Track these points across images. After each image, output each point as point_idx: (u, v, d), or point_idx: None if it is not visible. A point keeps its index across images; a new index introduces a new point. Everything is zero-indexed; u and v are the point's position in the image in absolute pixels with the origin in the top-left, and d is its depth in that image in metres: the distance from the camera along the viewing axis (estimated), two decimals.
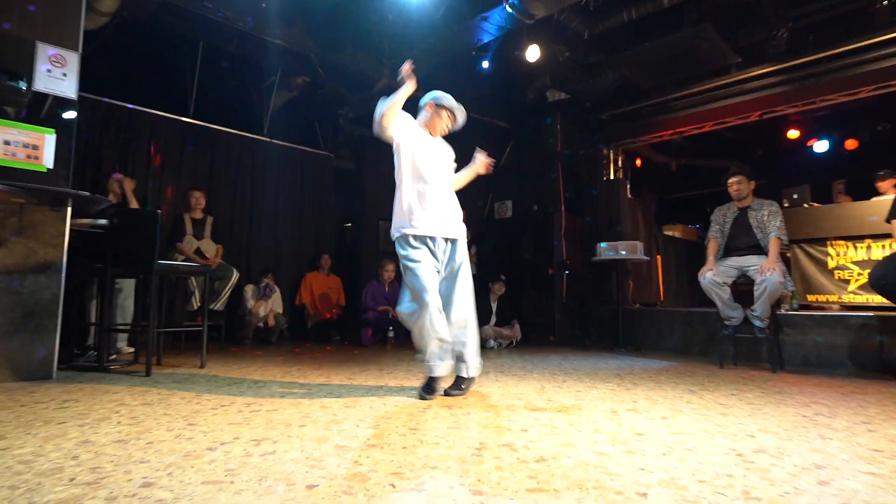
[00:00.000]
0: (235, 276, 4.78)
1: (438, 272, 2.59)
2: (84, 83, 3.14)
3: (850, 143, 7.90)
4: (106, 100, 5.01)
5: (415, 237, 2.56)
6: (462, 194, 2.84)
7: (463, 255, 2.64)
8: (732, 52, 4.90)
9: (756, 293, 3.61)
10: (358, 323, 5.51)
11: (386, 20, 4.95)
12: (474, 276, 2.83)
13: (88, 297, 3.82)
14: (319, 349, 4.95)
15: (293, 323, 6.01)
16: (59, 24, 2.96)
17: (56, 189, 2.77)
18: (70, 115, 2.97)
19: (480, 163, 2.83)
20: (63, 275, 2.94)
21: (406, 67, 2.57)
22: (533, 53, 5.21)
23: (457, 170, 2.84)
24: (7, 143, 2.72)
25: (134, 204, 4.15)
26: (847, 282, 4.61)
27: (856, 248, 4.58)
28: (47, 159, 2.82)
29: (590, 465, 1.48)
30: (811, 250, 4.83)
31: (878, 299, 4.35)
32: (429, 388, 2.50)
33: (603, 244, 5.47)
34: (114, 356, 3.74)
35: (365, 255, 6.93)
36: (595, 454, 1.59)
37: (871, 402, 2.55)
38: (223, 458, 1.50)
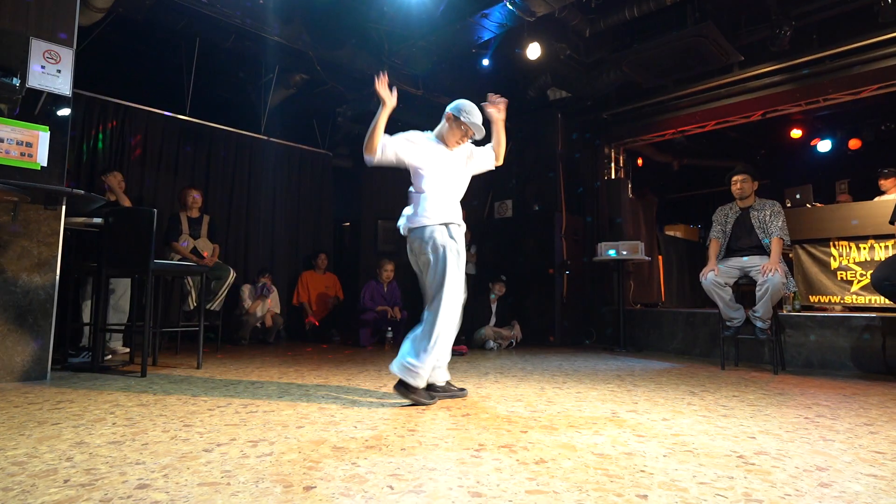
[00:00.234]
0: (232, 275, 4.75)
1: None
2: (79, 80, 3.12)
3: (854, 143, 7.88)
4: (101, 97, 4.99)
5: (449, 226, 2.47)
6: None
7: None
8: (735, 50, 4.88)
9: (758, 294, 3.59)
10: (356, 323, 5.49)
11: (385, 17, 4.92)
12: (474, 277, 2.79)
13: (83, 297, 3.80)
14: (317, 349, 4.93)
15: (291, 323, 5.99)
16: (53, 19, 2.94)
17: (50, 187, 2.75)
18: (64, 112, 2.95)
19: (495, 112, 2.63)
20: (57, 274, 2.92)
21: (378, 83, 2.41)
22: (534, 51, 5.18)
23: (487, 140, 2.72)
24: (0, 140, 2.70)
25: (125, 202, 4.12)
26: (850, 283, 4.59)
27: (858, 248, 4.56)
28: (41, 157, 2.80)
29: (590, 467, 1.46)
30: (813, 251, 4.81)
31: (880, 300, 4.33)
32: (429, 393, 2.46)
33: (604, 244, 5.45)
34: (109, 357, 3.72)
35: (363, 255, 6.91)
36: (595, 456, 1.57)
37: (873, 403, 2.53)
38: (220, 459, 1.48)
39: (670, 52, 4.84)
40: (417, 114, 6.18)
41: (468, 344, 5.25)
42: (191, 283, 4.55)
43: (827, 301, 4.70)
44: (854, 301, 4.56)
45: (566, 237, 6.05)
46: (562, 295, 5.90)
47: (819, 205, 5.11)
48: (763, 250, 3.75)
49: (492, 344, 5.28)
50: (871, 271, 3.42)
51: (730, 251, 3.91)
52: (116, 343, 4.09)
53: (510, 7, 4.36)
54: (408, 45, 5.16)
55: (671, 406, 2.38)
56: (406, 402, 2.35)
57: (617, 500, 1.23)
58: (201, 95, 5.72)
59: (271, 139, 6.25)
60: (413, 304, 6.90)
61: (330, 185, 6.91)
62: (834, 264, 4.69)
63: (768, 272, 3.51)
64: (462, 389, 2.61)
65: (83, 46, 4.13)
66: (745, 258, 3.79)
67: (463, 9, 4.64)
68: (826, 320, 4.02)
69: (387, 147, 2.47)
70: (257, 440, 1.69)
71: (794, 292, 4.39)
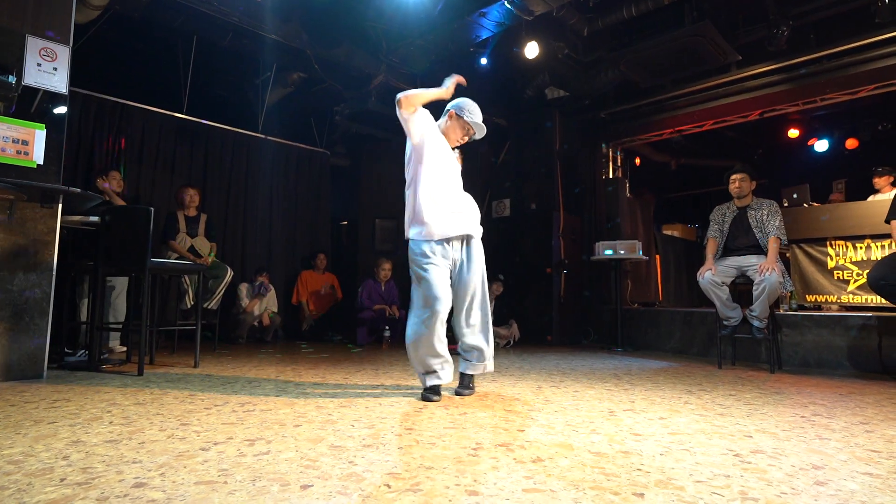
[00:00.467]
0: (230, 274, 4.74)
1: (452, 276, 2.56)
2: (75, 78, 3.11)
3: (851, 143, 7.90)
4: (98, 95, 4.97)
5: (428, 241, 2.50)
6: None
7: (479, 253, 2.60)
8: (732, 50, 4.88)
9: (755, 293, 3.60)
10: (354, 322, 5.49)
11: (383, 16, 4.91)
12: None
13: (80, 296, 3.79)
14: (314, 349, 4.93)
15: (288, 322, 5.99)
16: (49, 17, 2.92)
17: (46, 185, 2.74)
18: (61, 110, 2.94)
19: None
20: (54, 272, 2.91)
21: (454, 80, 2.56)
22: (532, 50, 5.18)
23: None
24: None
25: (118, 202, 4.11)
26: (846, 282, 4.60)
27: (855, 248, 4.57)
28: (37, 155, 2.79)
29: (587, 466, 1.46)
30: (810, 250, 4.82)
31: (877, 300, 4.35)
32: (435, 391, 2.47)
33: (601, 243, 5.46)
34: (106, 355, 3.71)
35: (361, 254, 6.91)
36: (592, 454, 1.57)
37: (869, 402, 2.54)
38: (216, 458, 1.48)
39: (668, 51, 4.84)
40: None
41: None
42: (188, 282, 4.54)
43: (823, 300, 4.72)
44: (851, 300, 4.57)
45: (564, 236, 6.06)
46: (559, 294, 5.90)
47: (816, 204, 5.13)
48: (760, 249, 3.76)
49: None
50: (868, 271, 3.43)
51: (727, 250, 3.91)
52: (113, 342, 4.07)
53: (508, 6, 4.36)
54: (406, 44, 5.15)
55: (668, 405, 2.39)
56: (404, 400, 2.36)
57: (614, 498, 1.23)
58: (198, 94, 5.71)
59: (269, 138, 6.24)
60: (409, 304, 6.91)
61: (327, 184, 6.90)
62: (831, 264, 4.70)
63: (765, 271, 3.52)
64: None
65: (80, 44, 4.12)
66: (742, 257, 3.80)
67: (461, 7, 4.63)
68: (823, 319, 4.03)
69: (423, 114, 2.53)
70: (254, 439, 1.69)
71: (791, 291, 4.40)
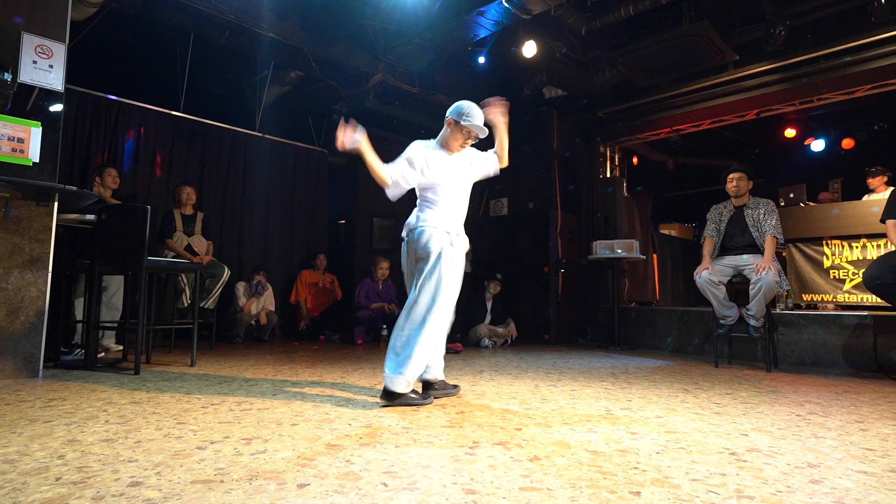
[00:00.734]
0: (227, 273, 4.73)
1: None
2: (71, 75, 3.09)
3: (847, 143, 7.93)
4: (94, 93, 4.95)
5: (451, 234, 2.45)
6: None
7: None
8: (730, 49, 4.89)
9: (751, 292, 3.61)
10: (351, 321, 5.49)
11: (381, 14, 4.90)
12: (469, 275, 2.78)
13: (76, 294, 3.78)
14: (312, 347, 4.92)
15: (285, 321, 5.98)
16: (45, 14, 2.91)
17: (42, 183, 2.73)
18: (56, 107, 2.93)
19: (497, 115, 2.60)
20: (49, 271, 2.90)
21: (340, 132, 2.33)
22: (529, 49, 5.18)
23: (490, 139, 2.69)
24: None
25: (110, 201, 4.10)
26: (842, 281, 4.62)
27: (851, 247, 4.59)
28: (33, 153, 2.78)
29: (583, 464, 1.46)
30: (807, 249, 4.84)
31: (872, 299, 4.37)
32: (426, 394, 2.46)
33: (599, 242, 5.46)
34: (102, 354, 3.70)
35: (359, 253, 6.89)
36: (589, 453, 1.58)
37: (864, 401, 2.55)
38: (213, 457, 1.48)
39: (666, 50, 4.85)
40: (413, 111, 6.17)
41: (463, 342, 5.26)
42: (185, 281, 4.53)
43: (819, 299, 4.74)
44: (846, 299, 4.59)
45: (561, 235, 6.06)
46: (557, 293, 5.91)
47: (812, 204, 5.15)
48: (757, 249, 3.77)
49: (487, 342, 5.29)
50: (864, 270, 3.44)
51: (724, 249, 3.93)
52: (109, 340, 4.06)
53: (506, 5, 4.36)
54: (403, 43, 5.14)
55: (665, 403, 2.39)
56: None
57: (610, 496, 1.23)
58: (195, 92, 5.69)
59: (266, 136, 6.22)
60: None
61: (325, 183, 6.88)
62: (827, 263, 4.72)
63: (762, 271, 3.53)
64: (455, 386, 2.61)
65: (76, 41, 4.09)
66: (738, 256, 3.81)
67: (459, 6, 4.62)
68: (818, 318, 4.04)
69: (400, 178, 2.46)
70: (251, 438, 1.69)
71: (788, 291, 4.42)
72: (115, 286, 3.88)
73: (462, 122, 2.53)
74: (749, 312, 3.67)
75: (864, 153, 7.60)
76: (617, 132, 6.54)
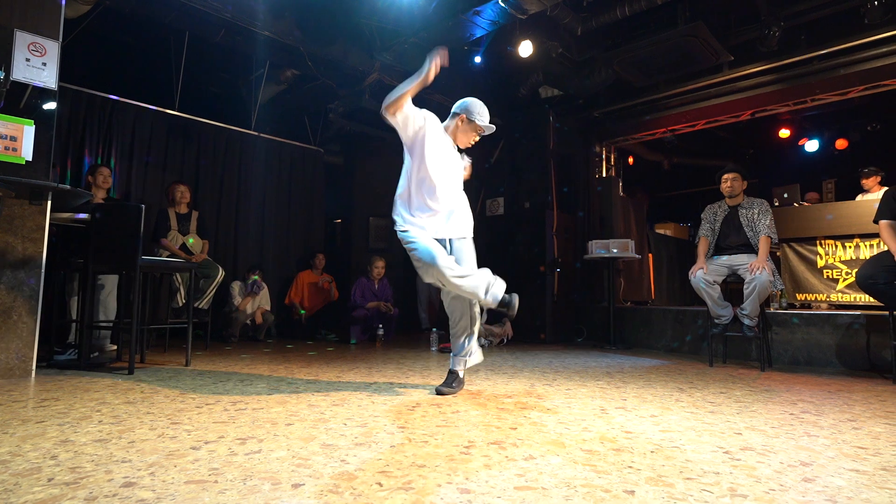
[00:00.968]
0: (221, 274, 4.72)
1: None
2: (65, 73, 3.07)
3: (841, 143, 7.98)
4: (88, 91, 4.92)
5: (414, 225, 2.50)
6: None
7: (469, 250, 2.60)
8: (725, 50, 4.91)
9: (745, 292, 3.63)
10: (348, 320, 5.48)
11: (377, 13, 4.90)
12: None
13: (70, 294, 3.76)
14: (308, 347, 4.91)
15: (281, 320, 5.96)
16: (38, 11, 2.89)
17: (35, 182, 2.71)
18: (50, 105, 2.91)
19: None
20: (42, 270, 2.88)
21: (435, 63, 2.39)
22: (525, 49, 5.19)
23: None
24: None
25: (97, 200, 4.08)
26: (836, 281, 4.65)
27: (844, 247, 4.62)
28: (26, 151, 2.76)
29: (578, 463, 1.47)
30: (801, 249, 4.86)
31: (865, 298, 4.40)
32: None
33: (595, 242, 5.47)
34: (96, 354, 3.68)
35: (355, 252, 6.89)
36: (584, 452, 1.58)
37: (856, 400, 2.57)
38: (207, 457, 1.47)
39: (661, 51, 4.86)
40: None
41: None
42: (179, 280, 4.51)
43: (813, 299, 4.76)
44: (840, 299, 4.62)
45: (557, 235, 6.07)
46: (553, 292, 5.92)
47: (806, 204, 5.17)
48: (751, 248, 3.79)
49: (483, 341, 5.29)
50: (857, 270, 3.47)
51: (718, 249, 3.94)
52: (103, 340, 4.04)
53: (502, 4, 4.36)
54: (400, 42, 5.14)
55: (659, 403, 2.40)
56: (397, 398, 2.36)
57: (605, 496, 1.23)
58: (191, 90, 5.66)
59: (262, 135, 6.21)
60: (404, 302, 6.91)
61: (321, 182, 6.87)
62: (820, 263, 4.74)
63: (756, 270, 3.55)
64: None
65: (69, 39, 4.07)
66: (733, 256, 3.83)
67: (455, 6, 4.62)
68: (812, 318, 4.07)
69: (412, 111, 2.48)
70: (246, 438, 1.68)
71: (782, 290, 4.44)
72: (109, 286, 3.86)
73: (477, 121, 2.60)
74: (743, 312, 3.69)
75: (857, 153, 7.65)
76: (613, 132, 6.56)
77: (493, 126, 2.65)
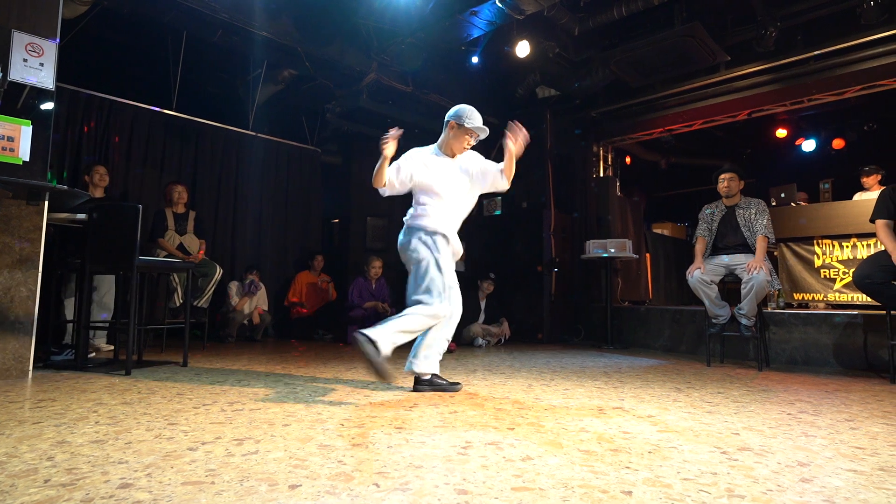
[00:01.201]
0: (219, 272, 4.71)
1: None
2: (63, 74, 3.06)
3: (837, 143, 8.00)
4: (85, 91, 4.90)
5: (446, 237, 2.60)
6: None
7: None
8: (721, 50, 4.92)
9: (743, 291, 3.64)
10: (345, 321, 5.47)
11: (374, 13, 4.89)
12: (463, 274, 2.83)
13: (67, 294, 3.74)
14: (305, 347, 4.91)
15: (279, 320, 5.95)
16: (35, 11, 2.88)
17: (32, 182, 2.71)
18: (47, 106, 2.90)
19: (509, 145, 2.68)
20: (39, 270, 2.87)
21: (386, 140, 2.49)
22: (523, 49, 5.19)
23: (498, 160, 2.80)
24: None
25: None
26: (833, 280, 4.66)
27: (842, 246, 4.63)
28: (23, 151, 2.75)
29: (575, 464, 1.47)
30: (798, 249, 4.88)
31: (862, 298, 4.41)
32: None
33: (592, 242, 5.48)
34: (93, 354, 3.67)
35: (352, 252, 6.88)
36: (581, 453, 1.58)
37: (854, 399, 2.58)
38: (204, 458, 1.47)
39: (658, 51, 4.87)
40: (407, 110, 6.16)
41: (457, 341, 5.25)
42: (177, 280, 4.50)
43: (811, 298, 4.77)
44: (837, 298, 4.63)
45: (555, 235, 6.08)
46: (550, 292, 5.92)
47: (804, 203, 5.19)
48: (748, 248, 3.79)
49: (480, 341, 5.29)
50: (854, 269, 3.48)
51: (716, 249, 3.95)
52: (100, 340, 4.03)
53: (499, 5, 4.36)
54: (397, 42, 5.14)
55: (657, 403, 2.40)
56: (394, 399, 2.35)
57: (602, 496, 1.23)
58: (188, 90, 5.65)
59: (259, 135, 6.20)
60: (401, 302, 6.90)
61: (318, 182, 6.86)
62: (817, 262, 4.76)
63: (753, 270, 3.56)
64: (455, 383, 2.67)
65: (67, 39, 4.06)
66: (730, 256, 3.84)
67: (452, 6, 4.62)
68: (809, 317, 4.08)
69: (397, 175, 2.57)
70: (243, 438, 1.68)
71: (779, 290, 4.45)
72: (106, 286, 3.85)
73: (466, 125, 2.64)
74: (741, 311, 3.70)
75: (854, 153, 7.66)
76: (610, 132, 6.56)
77: (486, 128, 2.69)
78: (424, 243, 2.55)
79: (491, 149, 6.76)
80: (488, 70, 6.06)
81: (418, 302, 2.52)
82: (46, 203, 2.91)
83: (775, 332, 4.18)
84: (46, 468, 1.37)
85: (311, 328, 5.84)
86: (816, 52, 4.82)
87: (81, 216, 3.29)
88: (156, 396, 2.35)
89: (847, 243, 4.60)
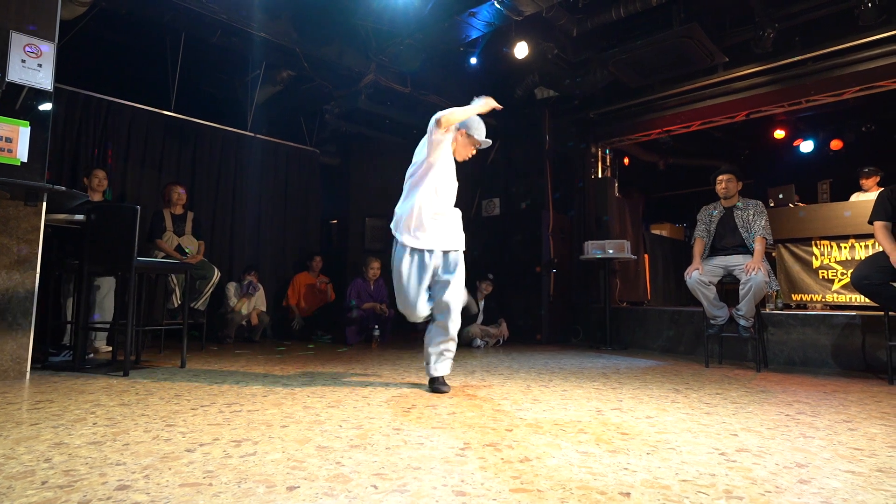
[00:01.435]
0: (217, 275, 4.70)
1: (426, 279, 2.69)
2: (61, 74, 3.06)
3: (836, 144, 8.01)
4: (84, 92, 4.90)
5: (413, 249, 2.67)
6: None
7: (459, 265, 2.72)
8: (720, 51, 4.93)
9: (741, 292, 3.64)
10: (343, 322, 5.47)
11: (373, 14, 4.89)
12: None
13: (65, 295, 3.74)
14: (303, 348, 4.90)
15: (277, 321, 5.95)
16: (34, 12, 2.88)
17: (30, 183, 2.70)
18: (45, 107, 2.90)
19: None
20: (38, 271, 2.86)
21: (492, 104, 2.59)
22: (521, 50, 5.19)
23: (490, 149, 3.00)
24: None
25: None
26: (831, 281, 4.67)
27: (840, 248, 4.64)
28: (21, 152, 2.75)
29: (574, 465, 1.47)
30: (796, 250, 4.88)
31: (860, 299, 4.41)
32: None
33: (590, 243, 5.48)
34: (91, 355, 3.66)
35: (351, 253, 6.88)
36: (579, 454, 1.58)
37: (852, 400, 2.58)
38: (202, 459, 1.47)
39: (656, 52, 4.87)
40: (405, 111, 6.16)
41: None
42: (175, 281, 4.50)
43: (809, 299, 4.78)
44: (835, 299, 4.64)
45: (553, 235, 6.08)
46: (549, 293, 5.92)
47: (801, 204, 5.19)
48: (746, 249, 3.80)
49: (479, 342, 5.29)
50: (852, 270, 3.48)
51: (714, 250, 3.95)
52: (99, 342, 4.03)
53: (498, 6, 4.36)
54: (395, 43, 5.14)
55: (655, 404, 2.41)
56: (392, 400, 2.36)
57: (600, 498, 1.23)
58: (187, 91, 5.64)
59: (258, 136, 6.19)
60: None
61: (317, 183, 6.86)
62: (816, 263, 4.76)
63: (751, 271, 3.56)
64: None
65: (65, 40, 4.05)
66: (728, 257, 3.84)
67: (450, 7, 4.63)
68: (808, 318, 4.08)
69: (451, 137, 2.69)
70: (241, 440, 1.68)
71: (777, 291, 4.46)
72: (105, 287, 3.85)
73: (475, 136, 2.75)
74: (739, 312, 3.70)
75: (852, 154, 7.68)
76: (608, 133, 6.57)
77: (489, 141, 2.83)
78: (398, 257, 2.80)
79: (489, 150, 6.77)
80: (487, 71, 6.07)
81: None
82: (44, 204, 2.91)
83: (773, 333, 4.18)
84: (44, 470, 1.37)
85: (310, 329, 5.83)
86: (814, 54, 4.83)
87: (80, 217, 3.28)
88: (154, 398, 2.34)
89: (845, 244, 4.61)
